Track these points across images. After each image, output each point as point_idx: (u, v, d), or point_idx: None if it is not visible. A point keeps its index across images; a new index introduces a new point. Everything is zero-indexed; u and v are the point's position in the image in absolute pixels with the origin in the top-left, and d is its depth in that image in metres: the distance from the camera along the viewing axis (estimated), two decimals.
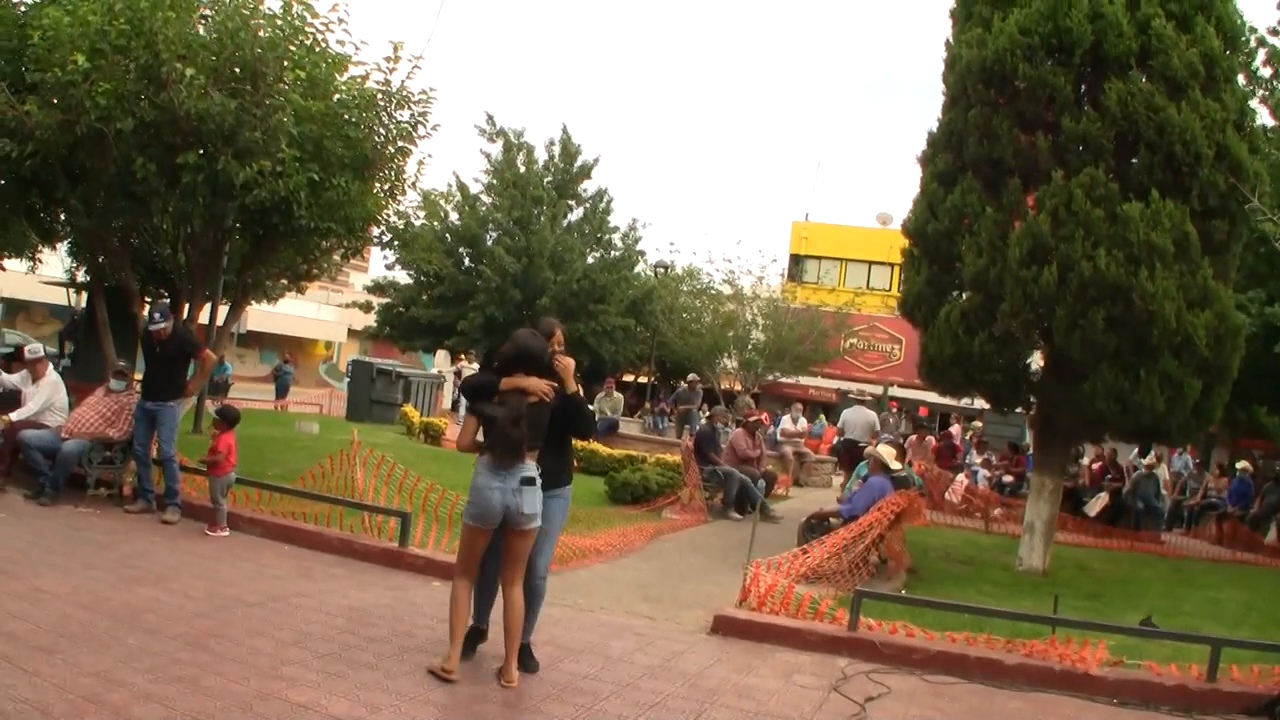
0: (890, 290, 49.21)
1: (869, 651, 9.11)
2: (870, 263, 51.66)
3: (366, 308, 43.54)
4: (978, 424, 33.49)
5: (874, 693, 8.08)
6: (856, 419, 24.16)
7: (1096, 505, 22.36)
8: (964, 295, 14.01)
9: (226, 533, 11.52)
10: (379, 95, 14.84)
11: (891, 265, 48.69)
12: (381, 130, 15.07)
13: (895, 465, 14.21)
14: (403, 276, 41.97)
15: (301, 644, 7.53)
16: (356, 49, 14.61)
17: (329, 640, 7.70)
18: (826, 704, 7.66)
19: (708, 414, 21.79)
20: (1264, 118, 17.60)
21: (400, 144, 15.36)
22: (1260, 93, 17.69)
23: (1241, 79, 15.17)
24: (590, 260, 41.90)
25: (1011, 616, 10.20)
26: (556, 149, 43.29)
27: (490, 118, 42.32)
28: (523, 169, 42.10)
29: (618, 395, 28.22)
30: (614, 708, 6.89)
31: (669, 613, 10.09)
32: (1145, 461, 23.69)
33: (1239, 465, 24.99)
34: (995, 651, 9.27)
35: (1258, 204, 12.75)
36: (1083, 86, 13.54)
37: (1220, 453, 32.08)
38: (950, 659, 9.09)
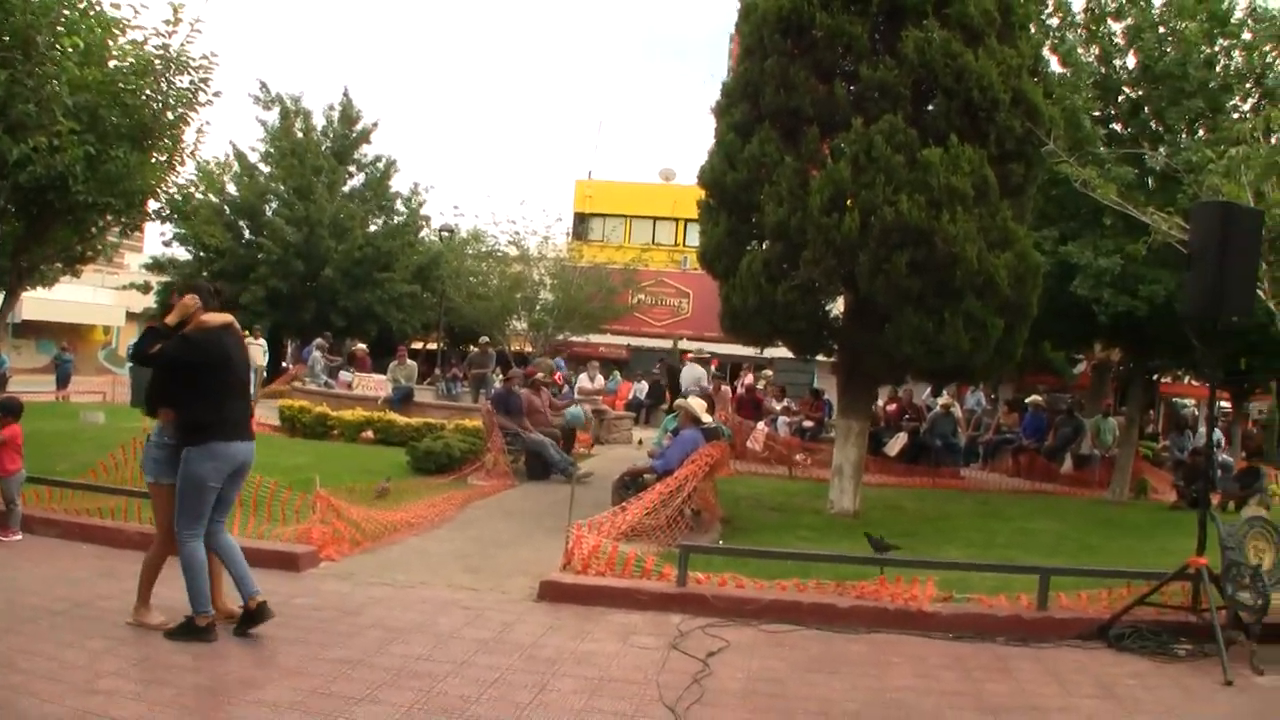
0: (676, 245, 49.61)
1: (701, 606, 9.08)
2: (655, 218, 51.83)
3: (145, 288, 41.78)
4: (768, 372, 33.86)
5: (714, 647, 8.05)
6: (689, 375, 24.58)
7: (896, 445, 22.89)
8: (765, 245, 14.01)
9: (19, 536, 10.75)
10: (157, 61, 14.15)
11: (676, 220, 49.13)
12: (160, 98, 14.39)
13: (706, 418, 14.18)
14: (182, 253, 40.36)
15: (115, 652, 7.09)
16: (136, 12, 13.94)
17: (143, 645, 7.27)
18: (669, 663, 7.58)
19: (504, 377, 21.58)
20: (1054, 66, 18.07)
21: (180, 111, 14.70)
22: (1049, 42, 18.14)
23: (1032, 29, 15.49)
24: (373, 228, 41.22)
25: (837, 560, 10.30)
26: (336, 114, 42.39)
27: (264, 84, 41.16)
28: (301, 136, 41.07)
29: (411, 363, 27.64)
30: (455, 688, 6.67)
31: (492, 582, 9.85)
32: (940, 401, 24.28)
33: (1030, 400, 25.79)
34: (828, 596, 9.37)
35: (1054, 146, 13.03)
36: (879, 35, 13.65)
37: (1007, 389, 33.09)
38: (784, 607, 9.11)
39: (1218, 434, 26.48)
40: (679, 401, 15.31)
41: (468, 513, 13.71)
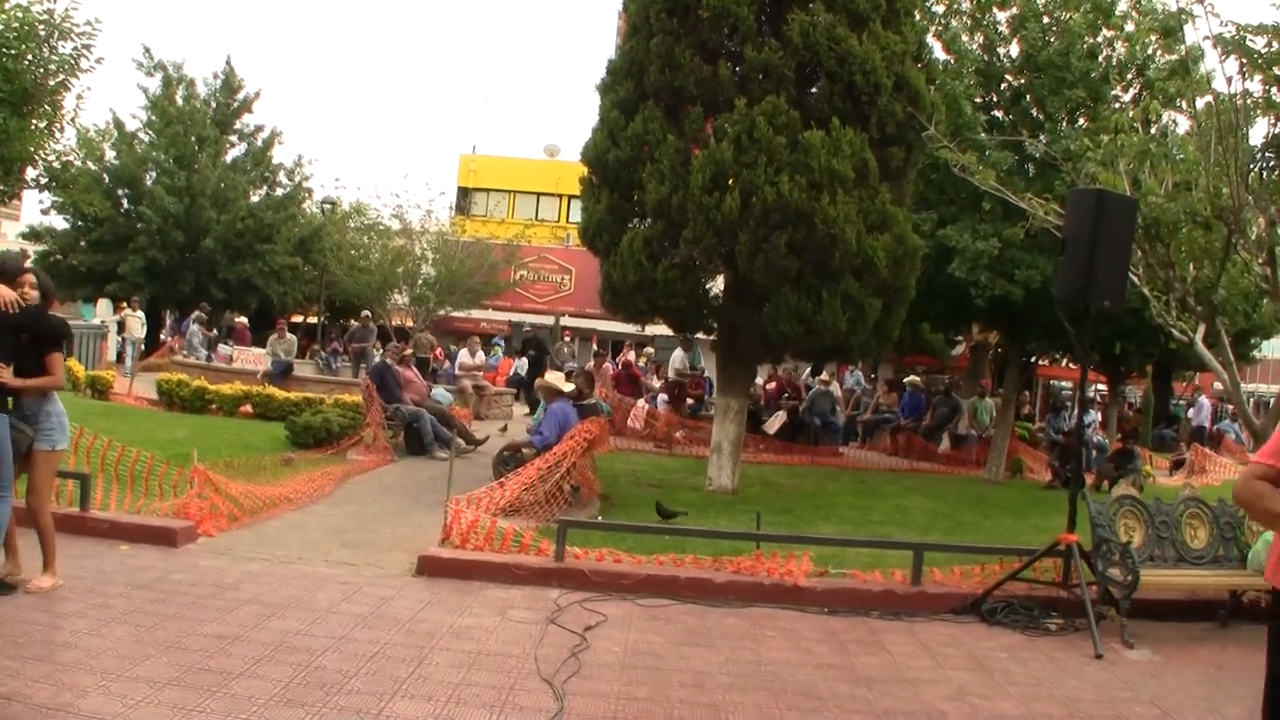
0: (559, 222, 49.59)
1: (579, 580, 9.13)
2: (539, 194, 51.76)
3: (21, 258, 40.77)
4: (649, 350, 33.93)
5: (591, 621, 8.09)
6: (676, 356, 25.80)
7: (775, 423, 23.13)
8: (646, 223, 14.07)
9: None
10: (40, 26, 13.83)
11: (560, 196, 49.08)
12: (42, 64, 14.07)
13: (567, 388, 14.23)
14: (59, 222, 39.59)
15: None
16: None
17: (16, 624, 7.03)
18: (546, 637, 7.60)
19: (382, 351, 21.46)
20: (938, 53, 18.34)
21: (62, 77, 14.40)
22: (934, 29, 18.39)
23: (917, 16, 15.71)
24: (255, 199, 40.70)
25: (713, 535, 10.47)
26: (218, 83, 41.67)
27: (148, 50, 40.35)
28: (183, 104, 40.34)
29: (290, 337, 27.33)
30: (332, 663, 6.61)
31: (370, 558, 9.78)
32: (820, 379, 24.49)
33: (908, 380, 26.19)
34: (704, 571, 9.46)
35: (935, 132, 13.21)
36: (765, 17, 13.76)
37: (887, 369, 33.52)
38: (660, 582, 9.19)
39: (1094, 416, 27.21)
40: (538, 381, 15.34)
41: (346, 488, 13.59)
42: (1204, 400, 35.64)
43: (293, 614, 7.68)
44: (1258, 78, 10.78)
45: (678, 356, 25.77)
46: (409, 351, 20.40)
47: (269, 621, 7.43)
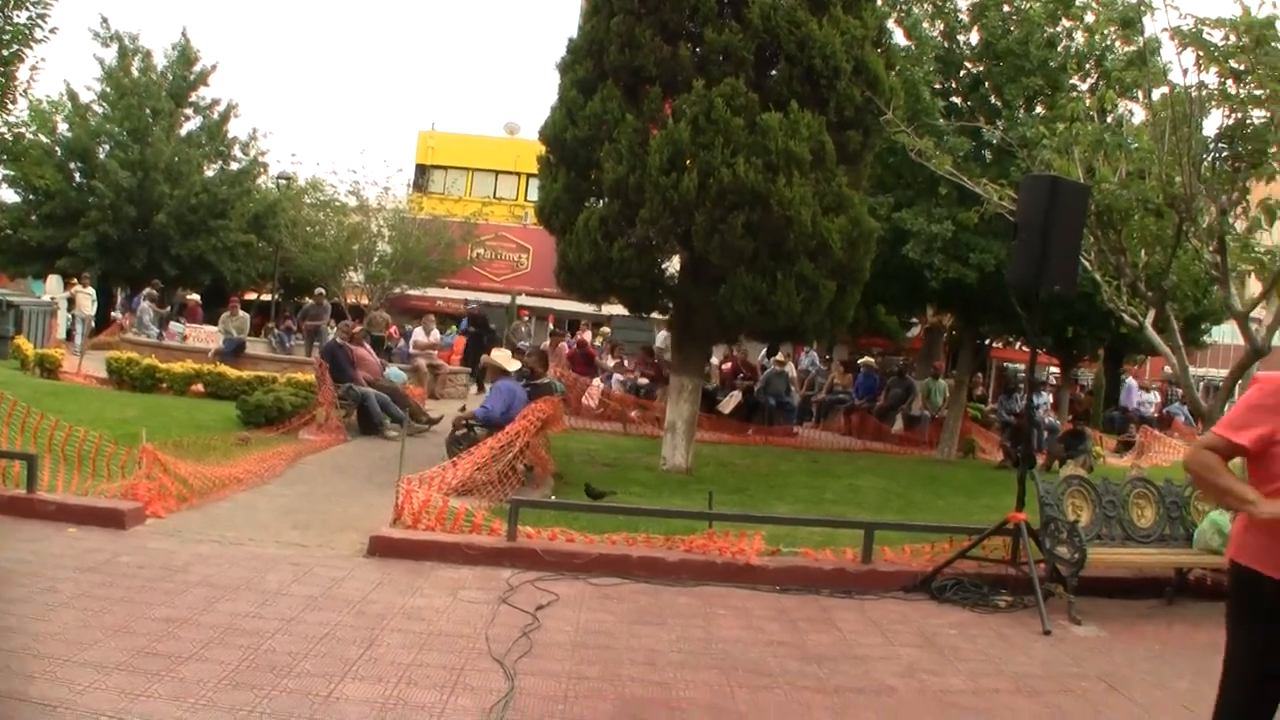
0: (517, 200, 49.35)
1: (531, 560, 9.12)
2: (498, 172, 51.36)
3: None
4: (606, 329, 33.95)
5: (543, 601, 8.09)
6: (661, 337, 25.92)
7: (730, 403, 23.19)
8: (603, 202, 14.06)
9: None
10: None
11: (519, 174, 48.82)
12: None
13: (512, 366, 14.23)
14: (9, 195, 39.10)
15: None
16: None
17: None
18: (498, 616, 7.60)
19: (335, 329, 21.37)
20: (898, 38, 18.43)
21: (15, 48, 14.22)
22: (895, 14, 18.48)
23: (878, 1, 15.78)
24: (209, 173, 40.29)
25: (666, 514, 10.51)
26: (175, 54, 41.25)
27: (105, 20, 40.05)
28: (139, 76, 39.89)
29: (243, 314, 27.14)
30: (283, 645, 6.58)
31: (321, 538, 9.71)
32: (775, 360, 24.55)
33: (862, 362, 26.35)
34: (656, 550, 9.50)
35: (892, 116, 13.27)
36: None
37: (842, 350, 33.63)
38: (612, 561, 9.21)
39: (1046, 398, 27.44)
40: (483, 359, 15.33)
41: (298, 468, 13.50)
42: (1131, 381, 35.98)
43: (242, 596, 7.63)
44: (1213, 70, 10.90)
45: (661, 337, 25.71)
46: (359, 329, 20.23)
47: (218, 604, 7.38)
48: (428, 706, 5.76)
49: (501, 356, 14.38)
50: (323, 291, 30.05)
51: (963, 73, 19.18)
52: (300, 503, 11.35)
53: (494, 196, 49.95)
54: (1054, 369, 38.41)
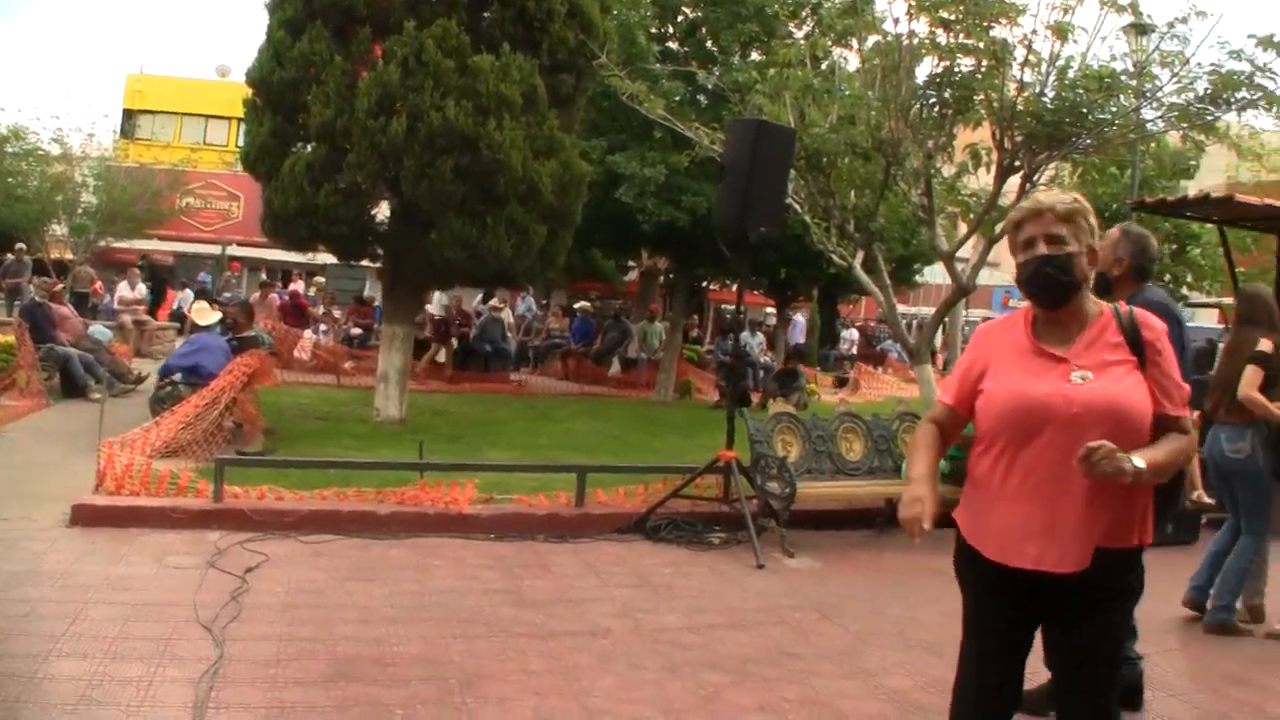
0: (228, 145, 47.61)
1: (240, 521, 8.84)
2: (208, 117, 49.52)
3: None
4: (320, 279, 33.36)
5: (253, 562, 7.84)
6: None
7: (444, 351, 22.96)
8: (310, 147, 13.69)
9: None
10: None
11: (229, 119, 47.08)
12: None
13: (207, 320, 13.86)
14: None
15: None
16: None
17: None
18: (206, 581, 7.32)
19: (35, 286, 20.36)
20: None
21: None
22: None
23: None
24: None
25: (377, 466, 10.41)
26: None
27: None
28: None
29: None
30: None
31: (23, 510, 9.06)
32: (490, 305, 24.49)
33: (578, 306, 26.54)
34: (368, 504, 9.37)
35: (606, 60, 13.29)
36: None
37: (559, 295, 33.81)
38: (323, 517, 9.02)
39: (760, 338, 28.13)
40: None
41: None
42: (799, 318, 37.05)
43: None
44: (924, 19, 11.25)
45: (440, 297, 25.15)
46: (60, 286, 19.36)
47: None
48: (135, 680, 5.49)
49: (199, 310, 13.91)
50: (23, 247, 28.65)
51: (680, 18, 19.40)
52: None
53: (204, 142, 48.25)
54: (769, 309, 39.37)
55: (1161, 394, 3.64)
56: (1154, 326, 3.72)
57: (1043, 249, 3.66)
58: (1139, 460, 3.41)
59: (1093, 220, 3.74)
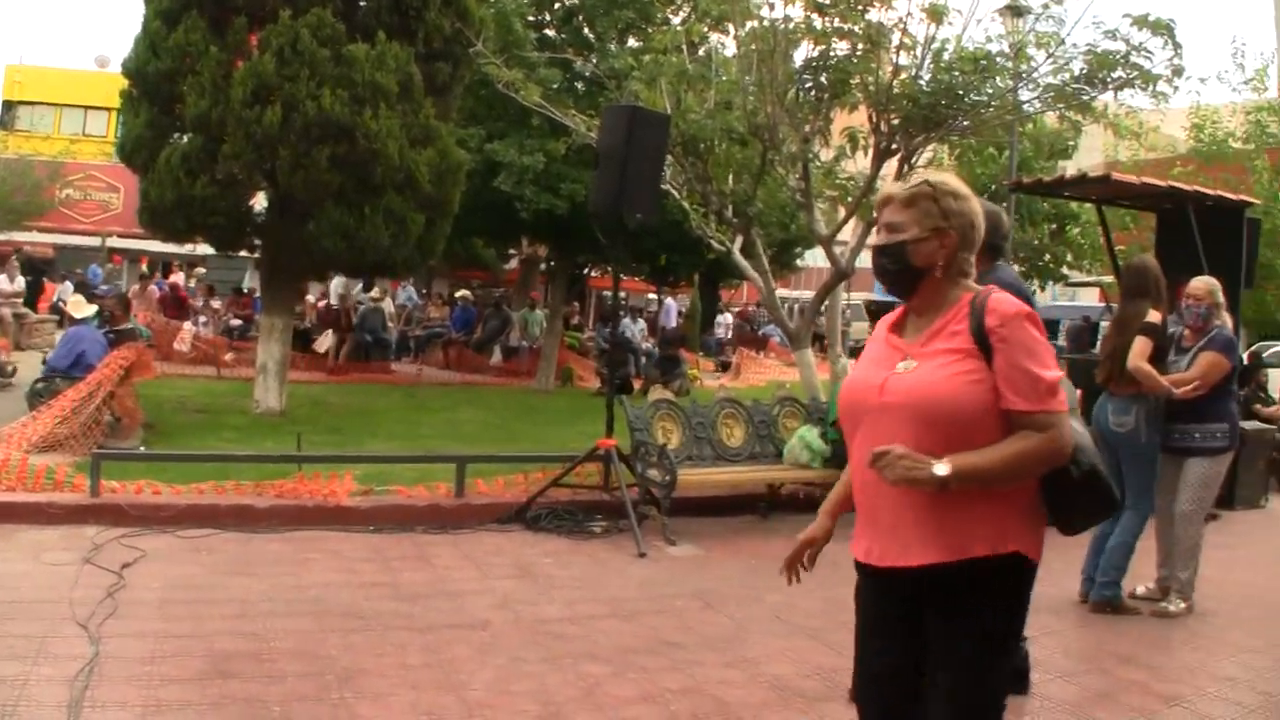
0: (108, 136, 46.85)
1: (117, 516, 8.69)
2: (87, 108, 48.68)
3: None
4: (201, 270, 32.90)
5: (130, 558, 7.72)
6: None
7: (325, 341, 22.85)
8: (186, 138, 13.55)
9: None
10: None
11: (109, 110, 46.27)
12: None
13: (82, 314, 13.64)
14: None
15: None
16: None
17: None
18: (82, 578, 7.21)
19: None
20: None
21: None
22: None
23: None
24: None
25: (255, 459, 10.23)
26: None
27: None
28: None
29: None
30: None
31: None
32: (371, 295, 24.31)
33: (459, 295, 26.47)
34: (246, 497, 9.28)
35: (482, 48, 13.27)
36: None
37: (440, 284, 33.64)
38: (201, 512, 8.92)
39: (642, 324, 28.26)
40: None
41: None
42: (670, 303, 37.50)
43: None
44: (799, 4, 11.37)
45: (340, 282, 24.68)
46: None
47: None
48: (10, 679, 5.40)
49: (75, 303, 13.68)
50: None
51: (557, 5, 19.38)
52: None
53: (83, 133, 47.51)
54: (652, 295, 39.55)
55: (1007, 386, 3.20)
56: (1002, 312, 3.26)
57: (882, 238, 3.51)
58: (943, 466, 3.09)
59: (950, 203, 3.41)
